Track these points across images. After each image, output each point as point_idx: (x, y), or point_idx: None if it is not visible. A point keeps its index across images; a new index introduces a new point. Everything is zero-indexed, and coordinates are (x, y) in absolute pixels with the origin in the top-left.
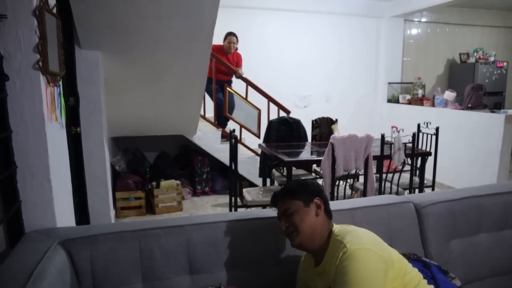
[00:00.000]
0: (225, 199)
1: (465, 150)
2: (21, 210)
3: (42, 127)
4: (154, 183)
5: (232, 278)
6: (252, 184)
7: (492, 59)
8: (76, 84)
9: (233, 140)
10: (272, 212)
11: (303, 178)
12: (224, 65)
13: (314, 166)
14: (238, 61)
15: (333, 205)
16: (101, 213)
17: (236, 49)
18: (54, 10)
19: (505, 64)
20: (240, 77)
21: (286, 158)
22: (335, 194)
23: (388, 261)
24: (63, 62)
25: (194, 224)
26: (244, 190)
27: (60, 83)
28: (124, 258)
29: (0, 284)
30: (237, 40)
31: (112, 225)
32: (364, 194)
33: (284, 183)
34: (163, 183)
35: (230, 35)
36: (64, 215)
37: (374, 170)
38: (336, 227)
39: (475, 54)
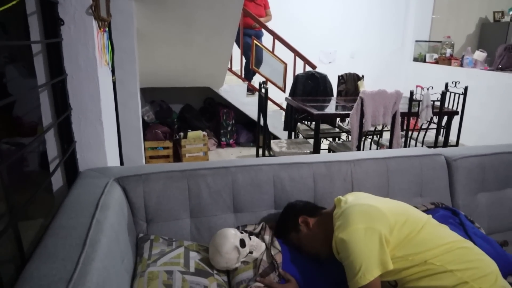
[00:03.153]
0: (249, 151)
1: (493, 112)
2: (76, 150)
3: (95, 71)
4: (181, 134)
5: (273, 217)
6: (276, 138)
7: None
8: (111, 33)
9: (263, 92)
10: (312, 157)
11: (327, 132)
12: (255, 20)
13: (338, 121)
14: (265, 3)
15: (368, 154)
16: (134, 160)
17: None
18: None
19: None
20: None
21: (315, 111)
22: (361, 148)
23: (382, 231)
24: (109, 9)
25: (239, 166)
26: (272, 141)
27: (107, 29)
28: (174, 196)
29: (74, 212)
30: None
31: (162, 165)
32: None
33: (311, 137)
34: (190, 133)
35: None
36: (112, 156)
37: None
38: (337, 212)
39: (511, 13)
